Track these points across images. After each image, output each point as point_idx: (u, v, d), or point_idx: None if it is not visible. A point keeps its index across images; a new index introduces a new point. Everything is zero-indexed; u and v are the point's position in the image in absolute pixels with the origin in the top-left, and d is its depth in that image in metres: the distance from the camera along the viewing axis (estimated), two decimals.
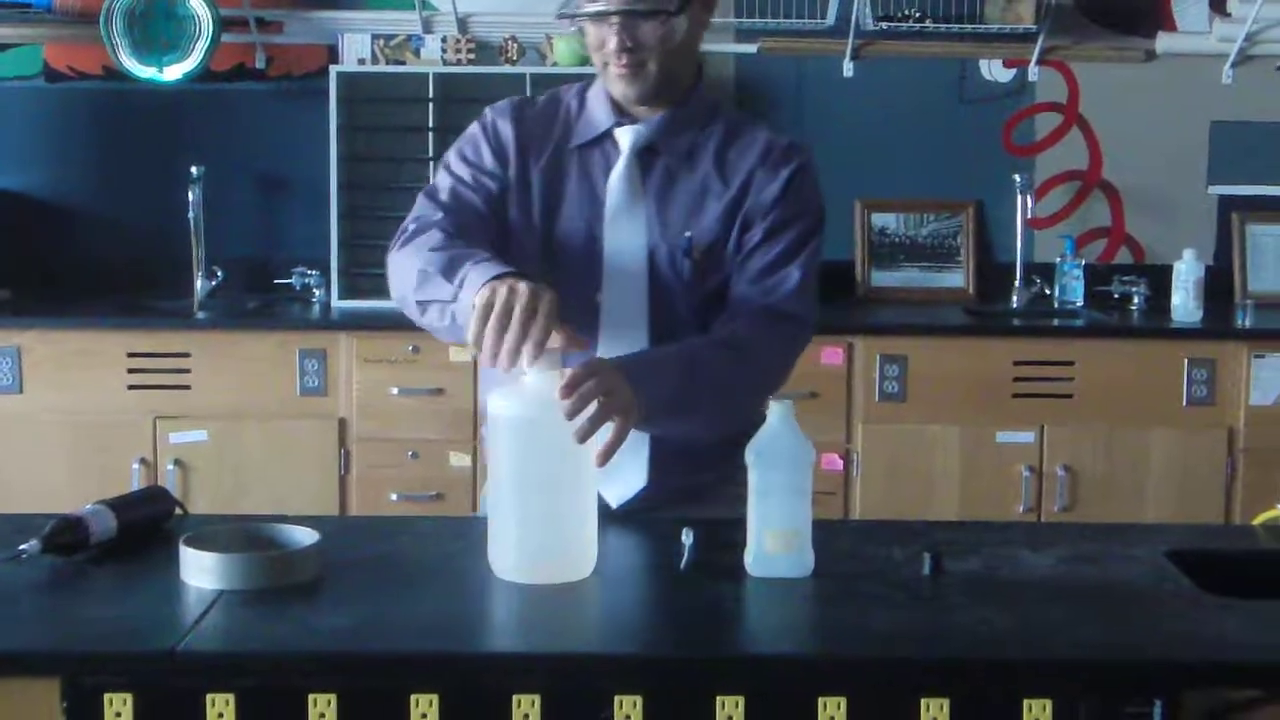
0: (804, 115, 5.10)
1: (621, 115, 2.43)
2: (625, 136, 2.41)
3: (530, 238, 2.41)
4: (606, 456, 2.06)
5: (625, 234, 2.39)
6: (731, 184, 2.41)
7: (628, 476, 2.37)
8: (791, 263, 2.39)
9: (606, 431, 2.04)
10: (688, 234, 2.38)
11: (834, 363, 4.44)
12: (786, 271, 2.38)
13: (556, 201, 2.42)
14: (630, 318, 2.37)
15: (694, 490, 2.42)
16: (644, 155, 2.42)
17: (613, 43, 2.33)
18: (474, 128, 2.49)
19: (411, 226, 2.35)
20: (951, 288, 5.13)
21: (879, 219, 5.13)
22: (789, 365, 2.41)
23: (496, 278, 2.08)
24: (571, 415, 2.01)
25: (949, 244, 5.14)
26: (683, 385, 2.23)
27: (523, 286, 2.04)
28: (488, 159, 2.43)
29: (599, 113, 2.44)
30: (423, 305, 2.26)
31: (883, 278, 5.13)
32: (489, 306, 2.03)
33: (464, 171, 2.43)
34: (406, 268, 2.28)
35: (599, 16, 2.33)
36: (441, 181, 2.44)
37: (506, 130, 2.45)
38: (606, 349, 2.32)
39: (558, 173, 2.43)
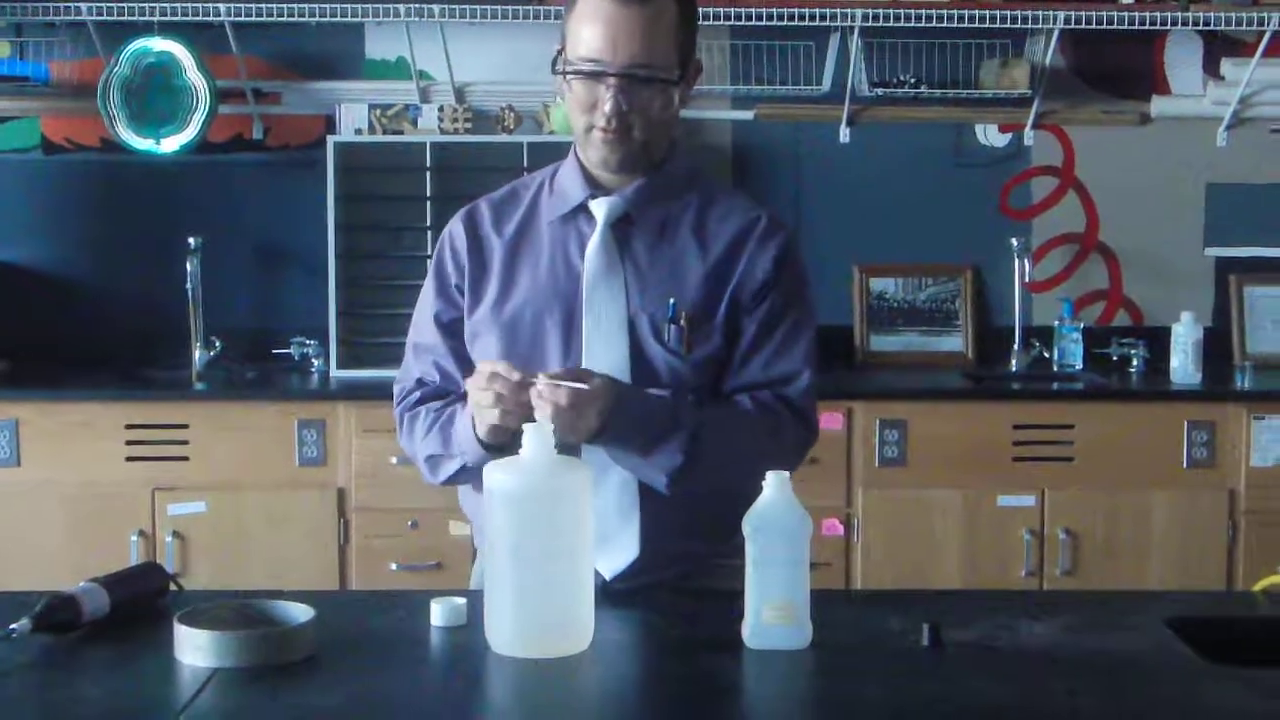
0: (801, 181, 5.12)
1: (595, 187, 2.42)
2: (600, 208, 2.40)
3: (493, 314, 2.43)
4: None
5: (604, 306, 2.38)
6: (712, 251, 2.42)
7: (620, 547, 2.36)
8: (797, 354, 2.42)
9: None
10: (671, 300, 2.38)
11: (833, 427, 4.43)
12: (795, 367, 2.41)
13: (519, 272, 2.43)
14: None
15: (687, 560, 2.41)
16: (619, 226, 2.41)
17: (608, 105, 2.31)
18: (438, 246, 2.54)
19: (400, 408, 2.53)
20: (950, 352, 5.13)
21: (877, 284, 5.14)
22: (789, 463, 2.23)
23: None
24: (536, 398, 2.15)
25: (947, 308, 5.14)
26: (649, 421, 2.28)
27: (470, 381, 2.25)
28: (452, 275, 2.48)
29: (572, 186, 2.43)
30: (450, 480, 2.46)
31: (881, 342, 5.13)
32: (478, 418, 2.25)
33: (439, 305, 2.50)
34: (416, 456, 2.49)
35: (597, 76, 2.31)
36: (423, 319, 2.52)
37: (459, 235, 2.49)
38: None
39: (523, 246, 2.45)
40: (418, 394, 2.50)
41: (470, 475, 2.39)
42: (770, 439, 2.36)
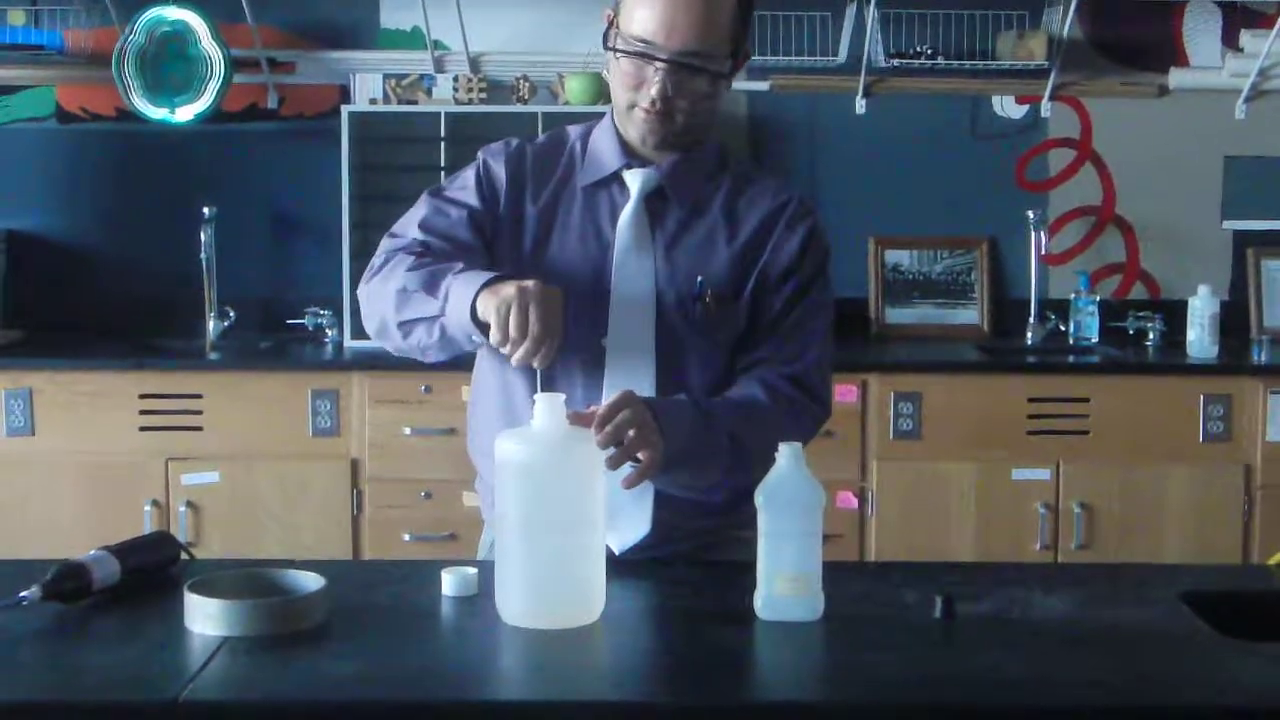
0: (816, 152, 5.10)
1: (631, 157, 2.40)
2: (634, 179, 2.38)
3: (519, 272, 2.37)
4: (634, 483, 2.12)
5: (633, 278, 2.36)
6: (741, 232, 2.40)
7: (632, 523, 2.35)
8: (811, 333, 2.40)
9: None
10: (699, 278, 2.36)
11: (848, 400, 4.42)
12: (809, 345, 2.39)
13: (550, 239, 2.39)
14: (636, 363, 2.34)
15: (698, 536, 2.40)
16: (652, 199, 2.39)
17: (654, 88, 2.28)
18: (468, 169, 2.46)
19: (380, 259, 2.37)
20: (966, 324, 5.11)
21: (892, 256, 5.12)
22: (804, 439, 2.23)
23: (489, 283, 2.14)
24: (604, 446, 2.05)
25: (963, 280, 5.12)
26: (696, 433, 2.22)
27: (533, 286, 2.09)
28: (474, 199, 2.40)
29: (607, 153, 2.41)
30: (406, 327, 2.30)
31: (896, 315, 5.11)
32: (506, 308, 2.08)
33: (447, 207, 2.39)
34: (382, 293, 2.32)
35: (646, 58, 2.27)
36: (415, 214, 2.40)
37: (498, 170, 2.42)
38: (611, 394, 2.30)
39: (557, 210, 2.41)
40: (418, 249, 2.35)
41: (428, 333, 2.26)
42: (790, 423, 2.33)
